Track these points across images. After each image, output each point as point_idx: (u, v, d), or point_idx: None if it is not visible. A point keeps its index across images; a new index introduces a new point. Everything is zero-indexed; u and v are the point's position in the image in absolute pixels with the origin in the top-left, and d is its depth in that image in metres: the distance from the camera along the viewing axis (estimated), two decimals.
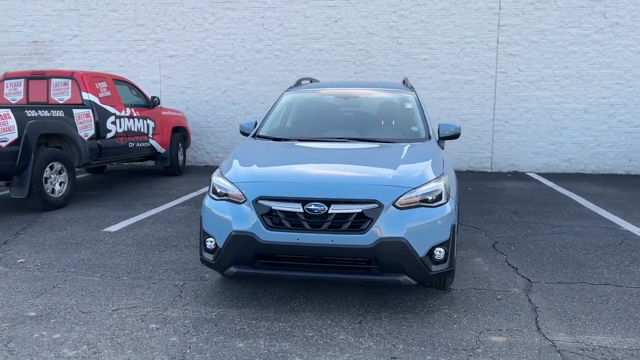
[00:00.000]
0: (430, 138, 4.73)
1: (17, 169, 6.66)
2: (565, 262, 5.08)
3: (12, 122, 6.56)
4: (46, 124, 7.08)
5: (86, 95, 8.11)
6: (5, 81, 8.46)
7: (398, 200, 3.61)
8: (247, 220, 3.65)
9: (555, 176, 10.65)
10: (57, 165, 7.25)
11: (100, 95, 8.36)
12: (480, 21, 11.02)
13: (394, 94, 5.57)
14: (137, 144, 9.22)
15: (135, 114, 9.17)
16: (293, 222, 3.60)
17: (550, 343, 3.39)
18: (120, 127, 8.67)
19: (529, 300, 4.12)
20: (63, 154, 7.39)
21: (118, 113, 8.66)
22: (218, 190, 3.93)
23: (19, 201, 7.14)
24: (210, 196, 4.00)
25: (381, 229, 3.53)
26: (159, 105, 10.10)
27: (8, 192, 7.05)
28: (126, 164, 11.68)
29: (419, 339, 3.45)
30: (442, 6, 11.07)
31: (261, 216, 3.63)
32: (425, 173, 3.87)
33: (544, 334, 3.52)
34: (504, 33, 10.99)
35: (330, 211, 3.55)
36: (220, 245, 3.76)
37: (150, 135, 9.62)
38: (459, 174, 10.94)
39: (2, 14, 12.35)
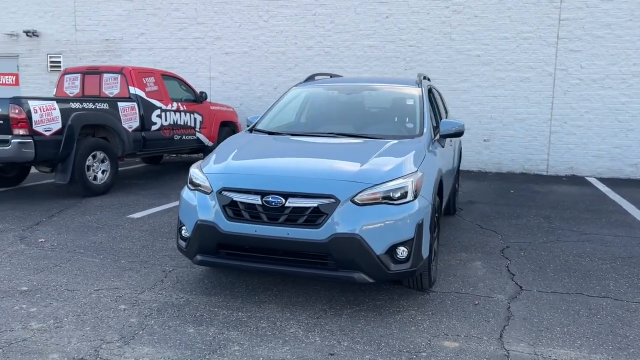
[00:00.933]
0: (422, 135, 4.57)
1: (60, 156, 7.21)
2: (573, 271, 4.73)
3: (56, 112, 7.11)
4: (89, 116, 7.59)
5: (133, 90, 8.60)
6: (65, 76, 9.16)
7: (357, 196, 3.56)
8: (211, 211, 3.75)
9: (617, 182, 9.88)
10: (100, 155, 7.75)
11: (147, 89, 8.82)
12: (539, 15, 10.43)
13: (399, 90, 5.43)
14: (183, 137, 9.63)
15: (182, 108, 9.58)
16: (252, 214, 3.65)
17: (505, 353, 3.20)
18: (165, 120, 9.10)
19: (508, 308, 3.90)
20: (105, 143, 7.88)
21: (164, 107, 9.10)
22: (194, 181, 4.06)
23: (63, 187, 7.72)
24: (187, 186, 4.13)
25: (336, 224, 3.49)
26: (208, 100, 10.48)
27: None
28: (184, 155, 12.23)
29: (367, 338, 3.38)
30: (498, 0, 10.59)
31: (223, 207, 3.71)
32: (395, 170, 3.77)
33: (502, 343, 3.32)
34: (565, 28, 10.33)
35: (287, 204, 3.57)
36: (189, 233, 3.89)
37: (197, 129, 10.01)
38: (512, 176, 10.53)
39: (80, 14, 13.35)
